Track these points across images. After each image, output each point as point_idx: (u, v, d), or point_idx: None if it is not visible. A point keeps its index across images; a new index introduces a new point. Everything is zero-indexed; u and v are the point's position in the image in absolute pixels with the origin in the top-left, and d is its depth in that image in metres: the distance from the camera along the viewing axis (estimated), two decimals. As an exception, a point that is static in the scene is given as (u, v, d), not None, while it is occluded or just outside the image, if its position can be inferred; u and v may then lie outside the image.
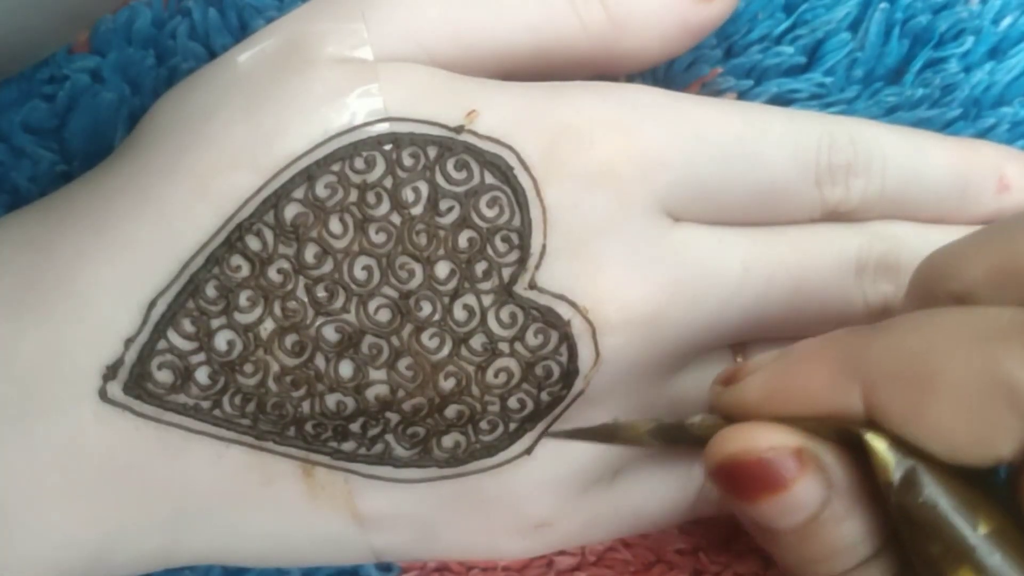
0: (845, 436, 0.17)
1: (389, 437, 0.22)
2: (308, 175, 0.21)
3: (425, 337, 0.22)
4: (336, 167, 0.21)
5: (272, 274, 0.21)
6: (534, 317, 0.22)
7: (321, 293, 0.21)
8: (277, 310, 0.21)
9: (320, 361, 0.22)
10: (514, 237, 0.22)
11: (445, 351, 0.22)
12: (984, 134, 0.27)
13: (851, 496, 0.18)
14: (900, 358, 0.17)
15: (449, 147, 0.22)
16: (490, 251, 0.22)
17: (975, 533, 0.16)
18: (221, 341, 0.21)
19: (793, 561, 0.19)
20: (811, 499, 0.18)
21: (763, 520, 0.18)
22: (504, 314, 0.22)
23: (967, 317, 0.17)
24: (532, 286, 0.22)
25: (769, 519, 0.18)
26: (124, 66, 0.25)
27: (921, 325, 0.18)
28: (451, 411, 0.22)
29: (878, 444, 0.17)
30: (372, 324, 0.22)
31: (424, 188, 0.22)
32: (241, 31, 0.25)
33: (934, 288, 0.19)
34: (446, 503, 0.23)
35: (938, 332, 0.17)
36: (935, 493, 0.16)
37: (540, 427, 0.22)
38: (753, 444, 0.18)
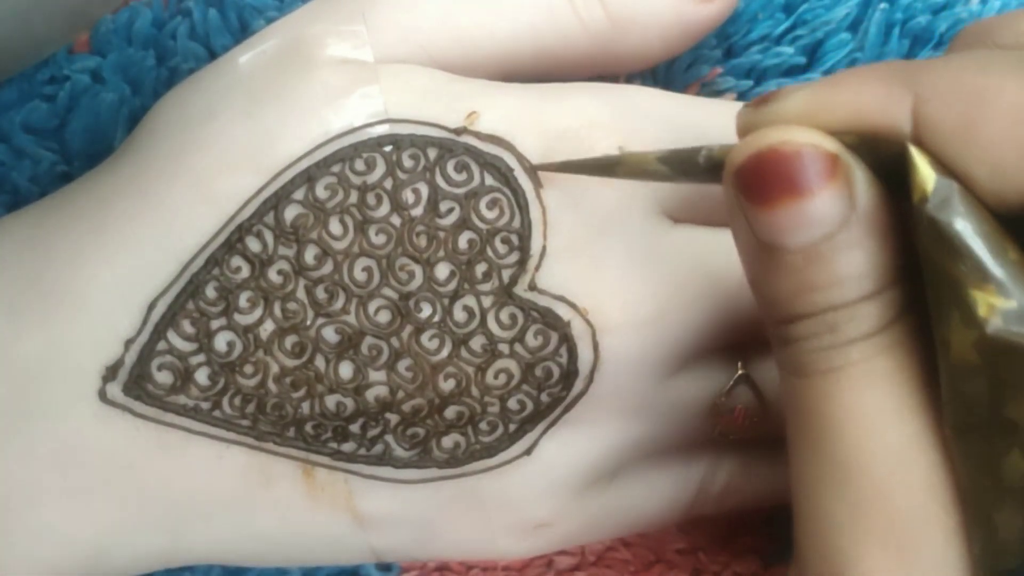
0: (884, 156, 0.17)
1: (389, 438, 0.22)
2: (308, 176, 0.21)
3: (425, 338, 0.22)
4: (336, 168, 0.21)
5: (272, 275, 0.21)
6: (534, 318, 0.22)
7: (321, 294, 0.21)
8: (277, 311, 0.21)
9: (320, 362, 0.22)
10: (514, 238, 0.22)
11: (445, 352, 0.22)
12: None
13: (870, 224, 0.17)
14: (959, 75, 0.16)
15: (449, 148, 0.22)
16: (490, 252, 0.22)
17: (1005, 257, 0.16)
18: (221, 342, 0.21)
19: (790, 288, 0.17)
20: (832, 214, 0.17)
21: (773, 232, 0.17)
22: (504, 315, 0.22)
23: None
24: (532, 287, 0.22)
25: (781, 231, 0.17)
26: (124, 66, 0.25)
27: (981, 53, 0.17)
28: (451, 412, 0.22)
29: (921, 158, 0.16)
30: (372, 325, 0.22)
31: (424, 189, 0.22)
32: (241, 32, 0.25)
33: (980, 42, 0.18)
34: (446, 503, 0.23)
35: (998, 57, 0.17)
36: (969, 212, 0.16)
37: (540, 428, 0.22)
38: (789, 138, 0.17)
